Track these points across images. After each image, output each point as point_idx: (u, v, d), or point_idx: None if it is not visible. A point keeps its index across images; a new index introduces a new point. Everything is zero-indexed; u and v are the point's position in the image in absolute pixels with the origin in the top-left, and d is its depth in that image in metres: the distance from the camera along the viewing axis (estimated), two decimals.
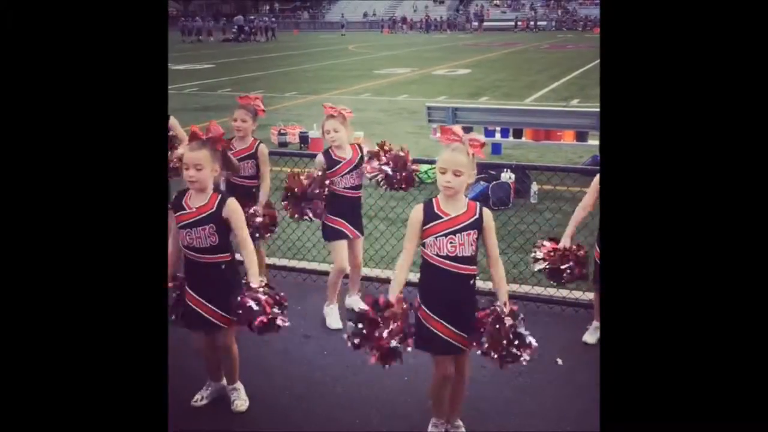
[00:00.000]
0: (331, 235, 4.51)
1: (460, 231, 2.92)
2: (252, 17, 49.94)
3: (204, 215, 3.25)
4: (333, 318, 4.64)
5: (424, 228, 2.95)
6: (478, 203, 3.02)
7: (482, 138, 2.98)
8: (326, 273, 5.23)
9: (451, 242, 2.92)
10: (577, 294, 4.86)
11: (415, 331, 3.01)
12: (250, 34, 46.93)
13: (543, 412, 3.56)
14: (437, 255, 2.94)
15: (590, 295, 4.76)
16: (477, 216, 2.95)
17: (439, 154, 2.96)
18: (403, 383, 3.83)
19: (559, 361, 4.06)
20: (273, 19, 51.29)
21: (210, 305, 3.34)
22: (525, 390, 3.77)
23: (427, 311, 3.01)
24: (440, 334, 2.99)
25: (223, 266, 3.35)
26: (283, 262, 5.63)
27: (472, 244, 2.95)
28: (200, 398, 3.62)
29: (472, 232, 2.94)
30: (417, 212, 2.98)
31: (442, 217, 2.93)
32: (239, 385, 3.66)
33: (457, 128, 3.00)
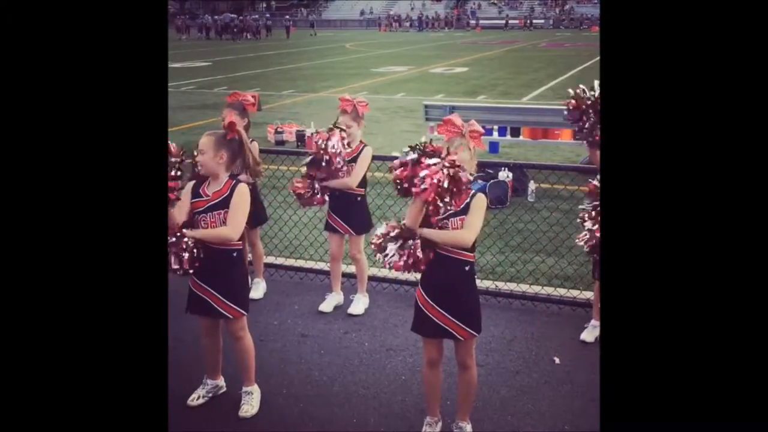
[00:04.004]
0: (325, 225, 4.70)
1: (453, 216, 2.98)
2: (235, 16, 49.77)
3: (218, 200, 3.31)
4: (325, 303, 4.82)
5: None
6: (472, 190, 3.04)
7: (480, 128, 3.04)
8: (323, 272, 5.24)
9: (443, 227, 2.99)
10: (574, 293, 4.86)
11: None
12: (241, 32, 46.85)
13: (540, 411, 3.56)
14: None
15: (587, 294, 4.76)
16: (468, 200, 3.01)
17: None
18: (401, 382, 3.83)
19: (557, 360, 4.06)
20: (256, 17, 51.24)
21: (218, 295, 3.37)
22: (522, 389, 3.77)
23: (423, 294, 3.11)
24: (431, 317, 3.07)
25: (235, 254, 3.39)
26: (280, 260, 5.62)
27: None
28: (197, 397, 3.61)
29: (465, 216, 2.99)
30: None
31: None
32: (255, 389, 3.61)
33: (457, 119, 3.02)
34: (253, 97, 4.80)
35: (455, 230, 2.98)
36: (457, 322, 3.05)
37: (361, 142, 4.49)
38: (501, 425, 3.45)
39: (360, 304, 4.74)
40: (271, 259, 5.59)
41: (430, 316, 3.07)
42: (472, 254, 3.06)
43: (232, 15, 50.39)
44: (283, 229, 5.74)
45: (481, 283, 4.92)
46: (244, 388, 3.59)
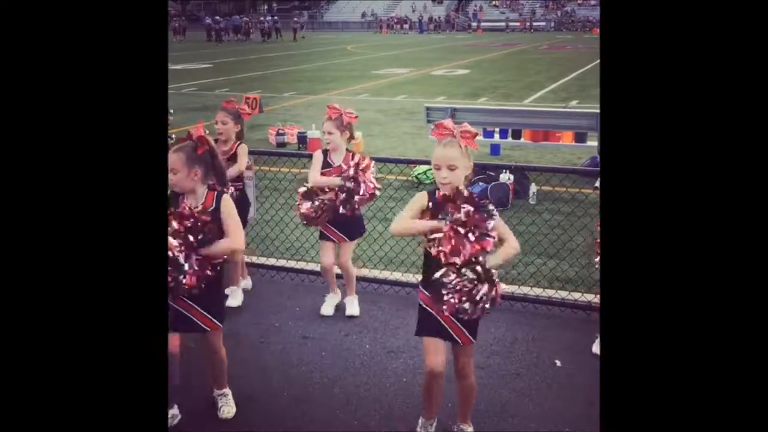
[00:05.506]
0: (319, 234, 4.68)
1: None
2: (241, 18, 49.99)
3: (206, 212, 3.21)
4: (326, 305, 4.80)
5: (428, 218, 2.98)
6: (477, 194, 3.02)
7: (473, 128, 2.98)
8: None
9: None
10: (576, 295, 4.86)
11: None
12: (248, 34, 47.10)
13: (541, 413, 3.56)
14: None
15: (588, 297, 4.75)
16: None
17: (433, 151, 2.98)
18: (402, 384, 3.83)
19: (558, 363, 4.06)
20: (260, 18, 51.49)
21: (197, 307, 3.27)
22: (523, 392, 3.77)
23: (427, 294, 3.06)
24: (435, 315, 3.03)
25: (218, 267, 3.29)
26: (281, 262, 5.62)
27: None
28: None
29: None
30: (422, 197, 3.02)
31: None
32: (227, 390, 3.59)
33: (449, 122, 2.99)
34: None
35: (507, 245, 3.06)
36: (460, 325, 3.03)
37: (348, 153, 4.47)
38: (502, 427, 3.45)
39: (354, 304, 4.76)
40: (272, 261, 5.59)
41: (432, 312, 3.05)
42: None
43: (243, 17, 50.60)
44: (285, 231, 5.74)
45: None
46: (220, 392, 3.57)
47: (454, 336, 3.06)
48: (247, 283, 5.11)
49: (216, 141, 4.50)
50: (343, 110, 4.43)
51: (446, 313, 2.93)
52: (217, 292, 3.38)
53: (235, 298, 4.90)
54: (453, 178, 2.91)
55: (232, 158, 4.62)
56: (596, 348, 4.16)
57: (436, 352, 3.09)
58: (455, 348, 3.13)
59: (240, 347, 4.28)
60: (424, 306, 3.11)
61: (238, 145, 4.68)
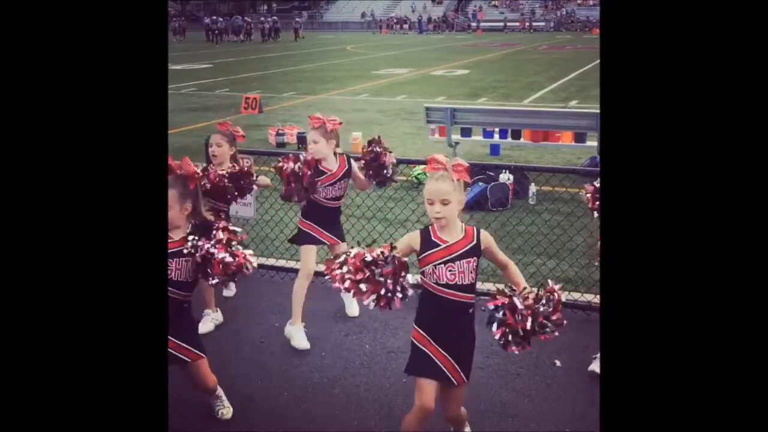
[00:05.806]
0: (301, 239, 4.43)
1: (458, 258, 2.87)
2: (222, 17, 50.04)
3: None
4: (298, 339, 4.31)
5: (421, 257, 2.90)
6: (474, 228, 2.96)
7: (465, 162, 2.91)
8: (323, 274, 5.20)
9: (450, 270, 2.87)
10: (575, 295, 4.86)
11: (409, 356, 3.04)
12: (249, 34, 47.17)
13: (541, 413, 3.56)
14: (436, 284, 2.88)
15: (588, 297, 4.75)
16: (475, 242, 2.90)
17: (425, 186, 2.91)
18: (402, 384, 3.83)
19: (558, 363, 4.06)
20: (248, 19, 51.45)
21: (177, 341, 3.18)
22: (522, 392, 3.77)
23: (421, 332, 2.97)
24: (430, 355, 2.93)
25: (185, 305, 3.25)
26: (281, 262, 5.62)
27: (472, 272, 2.90)
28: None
29: (471, 259, 2.89)
30: (414, 236, 2.93)
31: (439, 245, 2.87)
32: (220, 391, 3.53)
33: (440, 156, 2.91)
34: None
35: (512, 269, 3.10)
36: (455, 364, 2.94)
37: (341, 156, 4.34)
38: (502, 427, 3.45)
39: (354, 304, 4.73)
40: (272, 261, 5.59)
41: (428, 352, 2.93)
42: (474, 295, 2.97)
43: (243, 18, 50.67)
44: (285, 231, 5.74)
45: (483, 286, 4.92)
46: (212, 396, 3.53)
47: (450, 376, 2.94)
48: (217, 315, 4.75)
49: (210, 163, 4.49)
50: (326, 118, 4.33)
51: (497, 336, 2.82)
52: (192, 320, 3.34)
53: (205, 324, 4.56)
54: (446, 212, 2.83)
55: None
56: (594, 367, 3.93)
57: (430, 391, 2.95)
58: (447, 390, 3.01)
59: (240, 347, 4.29)
60: (417, 344, 2.97)
61: (244, 162, 4.64)
